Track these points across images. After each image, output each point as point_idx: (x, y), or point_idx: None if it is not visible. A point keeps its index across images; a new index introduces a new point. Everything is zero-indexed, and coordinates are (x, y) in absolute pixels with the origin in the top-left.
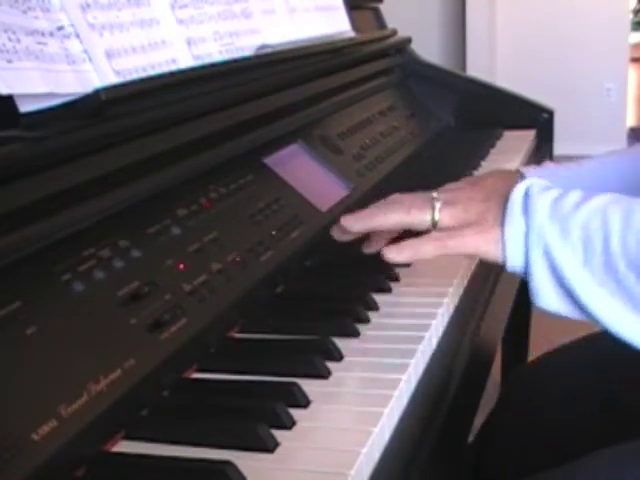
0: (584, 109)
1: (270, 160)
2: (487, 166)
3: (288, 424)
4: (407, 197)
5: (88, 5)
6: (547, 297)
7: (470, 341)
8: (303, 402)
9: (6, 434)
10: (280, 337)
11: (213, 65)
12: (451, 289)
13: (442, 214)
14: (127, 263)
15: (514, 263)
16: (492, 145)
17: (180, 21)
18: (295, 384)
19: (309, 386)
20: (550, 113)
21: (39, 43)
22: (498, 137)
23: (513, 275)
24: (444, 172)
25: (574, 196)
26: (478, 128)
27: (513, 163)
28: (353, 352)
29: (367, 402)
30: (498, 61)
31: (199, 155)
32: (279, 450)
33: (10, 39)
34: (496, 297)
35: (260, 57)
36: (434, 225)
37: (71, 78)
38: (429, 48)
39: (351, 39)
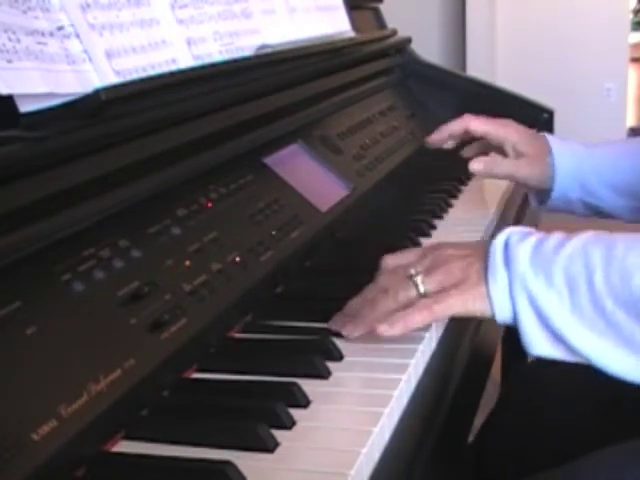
0: (584, 109)
1: (270, 160)
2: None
3: (288, 424)
4: (386, 283)
5: (88, 5)
6: (539, 344)
7: (470, 341)
8: (303, 402)
9: (6, 434)
10: (280, 337)
11: (213, 65)
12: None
13: (426, 285)
14: (127, 263)
15: (503, 315)
16: None
17: (180, 21)
18: (295, 384)
19: (309, 386)
20: (550, 113)
21: (39, 43)
22: None
23: None
24: (444, 172)
25: (554, 239)
26: None
27: None
28: (353, 352)
29: (367, 402)
30: (498, 61)
31: (199, 155)
32: (279, 450)
33: (10, 39)
34: None
35: (260, 57)
36: (423, 296)
37: (71, 78)
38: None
39: (351, 39)
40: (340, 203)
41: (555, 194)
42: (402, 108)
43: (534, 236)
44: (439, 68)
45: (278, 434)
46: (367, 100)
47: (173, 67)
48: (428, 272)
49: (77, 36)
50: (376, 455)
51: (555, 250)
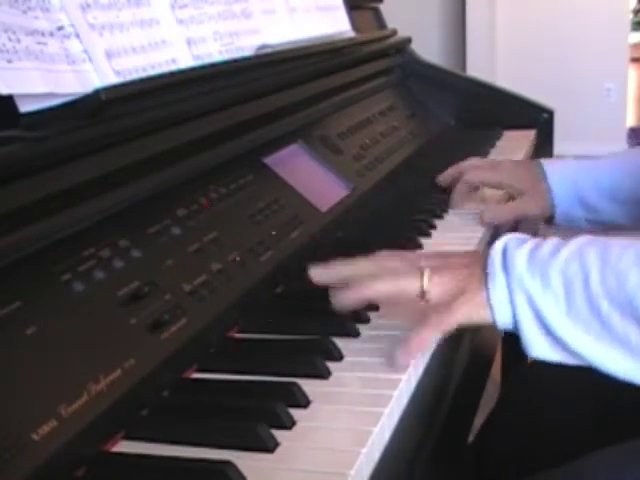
0: (584, 109)
1: (270, 160)
2: None
3: (288, 424)
4: (394, 262)
5: (88, 5)
6: (538, 347)
7: (470, 341)
8: (303, 402)
9: (6, 434)
10: (280, 337)
11: (213, 65)
12: None
13: (432, 284)
14: (127, 263)
15: (504, 321)
16: (492, 145)
17: (180, 21)
18: (295, 384)
19: (309, 386)
20: (550, 113)
21: (39, 43)
22: (498, 137)
23: None
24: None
25: (550, 244)
26: (478, 128)
27: None
28: (353, 352)
29: (367, 402)
30: (498, 61)
31: (199, 155)
32: (279, 450)
33: (10, 39)
34: None
35: (260, 57)
36: (422, 294)
37: (71, 78)
38: (429, 48)
39: (351, 39)
40: (340, 203)
41: (558, 217)
42: (402, 108)
43: (531, 241)
44: (439, 68)
45: (278, 434)
46: (367, 100)
47: (173, 67)
48: (436, 270)
49: (77, 36)
50: (376, 455)
51: (551, 253)
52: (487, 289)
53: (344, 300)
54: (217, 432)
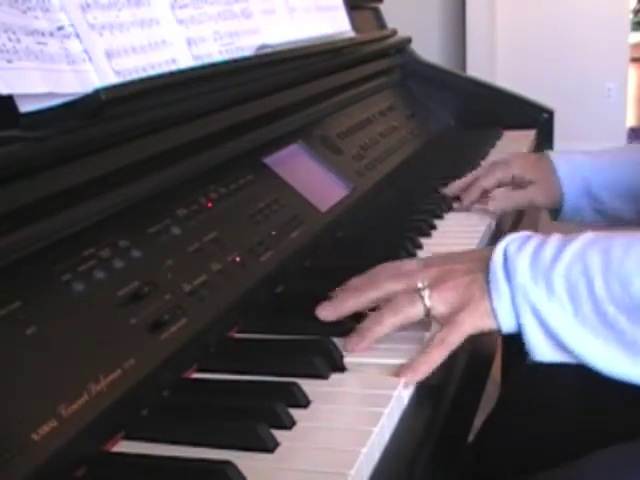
0: (584, 109)
1: (270, 160)
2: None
3: (288, 424)
4: (392, 285)
5: (88, 5)
6: (544, 352)
7: (470, 341)
8: (303, 402)
9: (6, 434)
10: (280, 337)
11: (213, 65)
12: None
13: (433, 301)
14: (127, 263)
15: (508, 328)
16: (492, 145)
17: (180, 21)
18: (295, 384)
19: (309, 386)
20: (550, 113)
21: (39, 43)
22: (498, 137)
23: None
24: (444, 172)
25: (552, 246)
26: (478, 128)
27: None
28: (353, 352)
29: (367, 402)
30: (498, 61)
31: (199, 155)
32: (279, 450)
33: (10, 39)
34: None
35: (260, 57)
36: (427, 313)
37: (71, 78)
38: (429, 48)
39: (351, 39)
40: (340, 203)
41: (566, 209)
42: (402, 108)
43: (532, 243)
44: (439, 68)
45: (278, 434)
46: (367, 100)
47: (173, 67)
48: (434, 286)
49: (77, 36)
50: (376, 455)
51: (554, 257)
52: (490, 297)
53: (359, 349)
54: (217, 432)
